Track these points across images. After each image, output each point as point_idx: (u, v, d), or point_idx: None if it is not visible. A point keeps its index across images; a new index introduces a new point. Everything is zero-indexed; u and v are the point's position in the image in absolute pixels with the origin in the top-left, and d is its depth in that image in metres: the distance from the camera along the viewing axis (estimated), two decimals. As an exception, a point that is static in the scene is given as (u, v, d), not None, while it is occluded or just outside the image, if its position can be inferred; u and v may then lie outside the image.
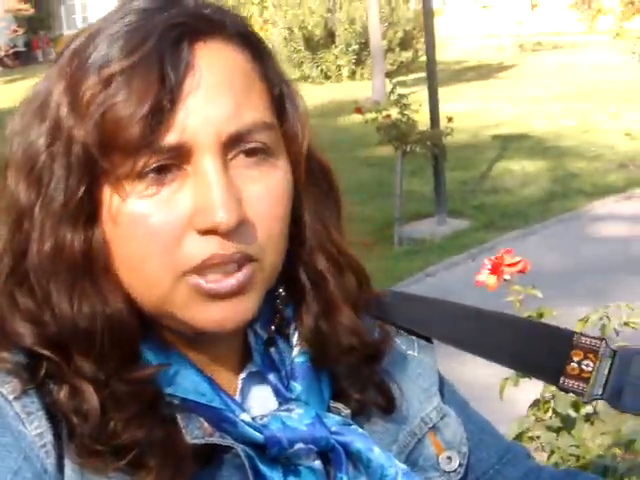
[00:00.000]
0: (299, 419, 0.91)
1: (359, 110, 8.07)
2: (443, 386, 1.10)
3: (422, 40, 21.56)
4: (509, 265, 2.08)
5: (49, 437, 0.84)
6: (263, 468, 0.89)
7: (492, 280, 2.08)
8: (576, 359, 1.03)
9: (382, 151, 9.70)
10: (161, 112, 0.82)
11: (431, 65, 8.32)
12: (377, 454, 0.94)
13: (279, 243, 0.90)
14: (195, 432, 0.88)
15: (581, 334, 1.05)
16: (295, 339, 0.97)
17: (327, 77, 20.14)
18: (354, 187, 10.19)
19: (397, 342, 1.06)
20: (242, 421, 0.89)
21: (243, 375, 0.95)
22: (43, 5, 28.42)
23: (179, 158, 0.84)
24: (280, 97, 0.91)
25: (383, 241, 8.32)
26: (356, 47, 19.52)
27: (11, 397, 0.84)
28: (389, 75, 12.60)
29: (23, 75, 23.53)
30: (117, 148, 0.83)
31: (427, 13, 8.19)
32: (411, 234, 8.47)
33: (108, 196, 0.85)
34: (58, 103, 0.86)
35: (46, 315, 0.86)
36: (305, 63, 20.38)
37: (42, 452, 0.83)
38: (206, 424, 0.88)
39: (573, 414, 2.20)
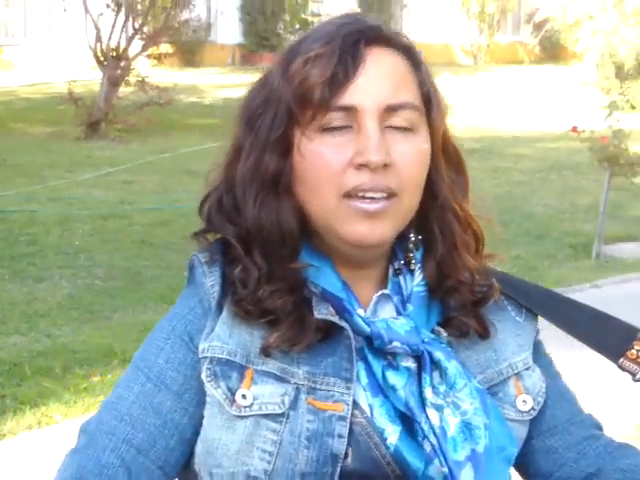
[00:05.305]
0: (401, 326, 1.20)
1: (574, 129, 8.66)
2: (539, 354, 1.34)
3: None
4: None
5: (217, 288, 1.21)
6: (369, 356, 1.19)
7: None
8: (637, 347, 1.29)
9: None
10: (337, 82, 1.15)
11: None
12: (453, 366, 1.20)
13: (415, 190, 1.20)
14: (322, 311, 1.19)
15: None
16: (418, 274, 1.26)
17: (633, 107, 20.02)
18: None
19: (509, 308, 1.32)
20: (357, 314, 1.20)
21: (378, 294, 1.25)
22: (384, 7, 29.94)
23: (349, 118, 1.16)
24: (427, 94, 1.22)
25: (584, 254, 8.93)
26: (665, 82, 19.26)
27: (203, 260, 1.23)
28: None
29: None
30: (307, 105, 1.16)
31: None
32: (612, 252, 8.94)
33: (299, 139, 1.18)
34: (274, 77, 1.21)
35: (241, 219, 1.21)
36: (612, 90, 20.42)
37: (211, 297, 1.20)
38: (332, 309, 1.20)
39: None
